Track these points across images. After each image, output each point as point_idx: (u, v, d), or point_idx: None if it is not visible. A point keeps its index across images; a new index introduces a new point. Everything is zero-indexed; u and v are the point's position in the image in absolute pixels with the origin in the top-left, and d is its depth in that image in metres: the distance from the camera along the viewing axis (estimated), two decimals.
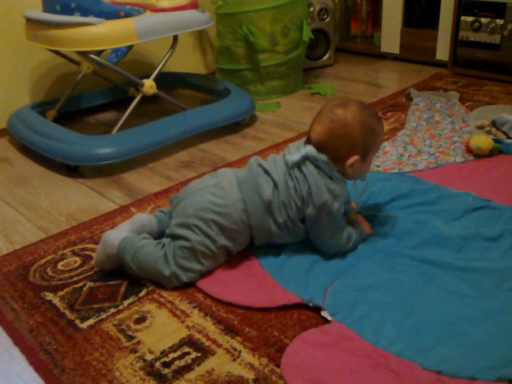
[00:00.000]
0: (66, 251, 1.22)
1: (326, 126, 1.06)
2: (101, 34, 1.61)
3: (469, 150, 1.54)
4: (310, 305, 0.98)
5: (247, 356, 0.89)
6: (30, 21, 1.71)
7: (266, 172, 1.08)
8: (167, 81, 2.24)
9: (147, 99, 1.84)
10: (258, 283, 1.05)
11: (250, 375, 0.85)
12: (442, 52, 2.44)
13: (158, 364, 0.89)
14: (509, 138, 1.60)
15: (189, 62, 2.50)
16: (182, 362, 0.89)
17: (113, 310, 1.02)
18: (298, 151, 1.07)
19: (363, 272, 1.05)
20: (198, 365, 0.88)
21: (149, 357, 0.90)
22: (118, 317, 1.00)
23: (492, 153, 1.51)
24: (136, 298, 1.05)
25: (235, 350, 0.90)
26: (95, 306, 1.03)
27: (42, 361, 0.91)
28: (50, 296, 1.07)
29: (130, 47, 2.01)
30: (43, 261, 1.19)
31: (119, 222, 1.33)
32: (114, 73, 1.90)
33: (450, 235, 1.13)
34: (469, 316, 0.92)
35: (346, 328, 0.91)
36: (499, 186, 1.34)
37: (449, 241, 1.12)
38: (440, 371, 0.82)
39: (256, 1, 2.06)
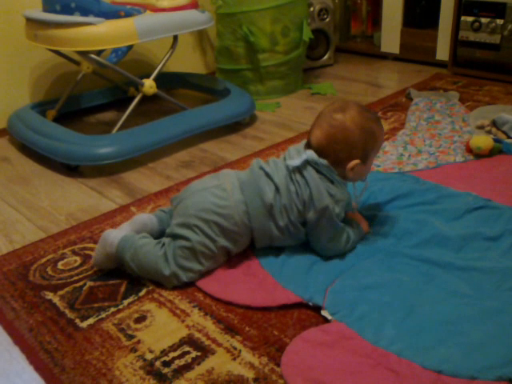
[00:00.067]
0: (65, 251, 1.22)
1: (326, 131, 1.06)
2: (101, 33, 1.61)
3: (469, 150, 1.54)
4: (310, 304, 0.98)
5: (247, 355, 0.89)
6: (30, 20, 1.71)
7: (268, 175, 1.08)
8: (167, 80, 2.24)
9: (147, 99, 1.84)
10: (258, 283, 1.05)
11: (250, 374, 0.85)
12: (442, 52, 2.44)
13: (157, 363, 0.89)
14: (509, 137, 1.60)
15: (189, 61, 2.50)
16: (181, 362, 0.89)
17: (113, 310, 1.02)
18: (298, 155, 1.07)
19: (363, 271, 1.05)
20: (198, 364, 0.88)
21: (149, 356, 0.90)
22: (118, 316, 1.00)
23: (492, 152, 1.51)
24: (136, 298, 1.05)
25: (235, 349, 0.90)
26: (95, 305, 1.03)
27: (41, 360, 0.91)
28: (50, 295, 1.07)
29: (130, 47, 2.01)
30: (43, 260, 1.19)
31: (119, 221, 1.33)
32: (114, 72, 1.90)
33: (450, 235, 1.13)
34: (469, 316, 0.92)
35: (346, 327, 0.91)
36: (499, 186, 1.34)
37: (449, 240, 1.12)
38: (440, 371, 0.82)
39: (256, 1, 2.06)
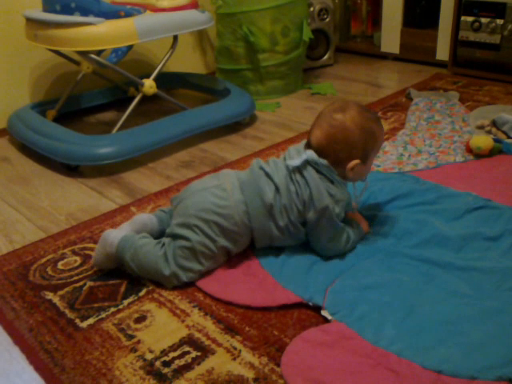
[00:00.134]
0: (65, 251, 1.22)
1: (326, 131, 1.06)
2: (101, 33, 1.61)
3: (469, 150, 1.54)
4: (310, 304, 0.98)
5: (247, 355, 0.89)
6: (30, 20, 1.71)
7: (268, 175, 1.08)
8: (167, 80, 2.24)
9: (147, 99, 1.84)
10: (258, 283, 1.05)
11: (250, 374, 0.85)
12: (442, 52, 2.44)
13: (157, 363, 0.89)
14: (509, 137, 1.60)
15: (189, 61, 2.50)
16: (181, 361, 0.89)
17: (113, 310, 1.02)
18: (298, 156, 1.07)
19: (363, 272, 1.05)
20: (198, 364, 0.88)
21: (149, 356, 0.90)
22: (118, 316, 1.00)
23: (492, 152, 1.51)
24: (136, 298, 1.05)
25: (235, 349, 0.90)
26: (95, 305, 1.03)
27: (41, 360, 0.91)
28: (49, 295, 1.07)
29: (130, 47, 2.01)
30: (43, 260, 1.19)
31: (119, 221, 1.33)
32: (114, 72, 1.90)
33: (449, 235, 1.13)
34: (469, 316, 0.92)
35: (346, 327, 0.91)
36: (499, 186, 1.34)
37: (449, 240, 1.12)
38: (440, 371, 0.82)
39: (256, 1, 2.06)
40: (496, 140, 1.54)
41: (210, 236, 1.05)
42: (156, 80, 1.78)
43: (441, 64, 2.46)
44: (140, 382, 0.85)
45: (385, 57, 2.71)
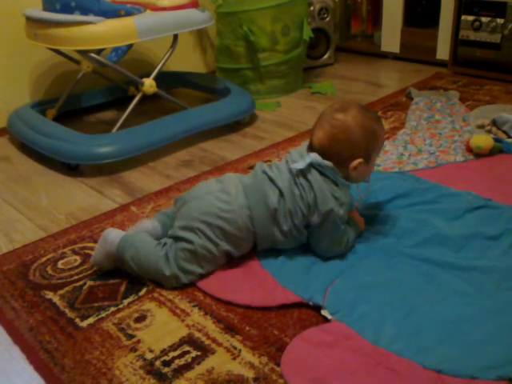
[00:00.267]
0: (66, 250, 1.22)
1: (328, 132, 1.06)
2: (101, 32, 1.61)
3: (469, 150, 1.54)
4: (310, 304, 0.98)
5: (247, 355, 0.89)
6: (30, 19, 1.71)
7: (271, 180, 1.08)
8: (167, 80, 2.23)
9: (147, 98, 1.84)
10: (258, 282, 1.05)
11: (250, 374, 0.85)
12: (443, 51, 2.44)
13: (157, 363, 0.89)
14: (509, 137, 1.59)
15: (189, 60, 2.50)
16: (181, 361, 0.89)
17: (113, 309, 1.02)
18: (301, 159, 1.07)
19: (363, 271, 1.05)
20: (198, 364, 0.88)
21: (149, 355, 0.90)
22: (118, 315, 1.00)
23: (492, 152, 1.51)
24: (136, 297, 1.05)
25: (235, 348, 0.90)
26: (95, 304, 1.03)
27: (41, 359, 0.91)
28: (49, 295, 1.07)
29: (130, 46, 2.01)
30: (43, 259, 1.19)
31: (119, 220, 1.33)
32: (114, 72, 1.90)
33: (450, 234, 1.13)
34: (469, 315, 0.92)
35: (346, 327, 0.91)
36: (499, 186, 1.34)
37: (449, 240, 1.12)
38: (440, 370, 0.82)
39: (256, 0, 2.05)
40: (496, 139, 1.54)
41: (212, 240, 1.05)
42: (156, 79, 1.78)
43: (441, 63, 2.46)
44: (140, 382, 0.85)
45: (385, 56, 2.71)
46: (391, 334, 0.89)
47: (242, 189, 1.08)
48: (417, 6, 2.55)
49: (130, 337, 0.95)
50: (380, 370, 0.83)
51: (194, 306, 1.01)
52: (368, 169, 1.11)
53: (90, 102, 2.14)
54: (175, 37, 1.83)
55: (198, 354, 0.90)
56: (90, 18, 1.60)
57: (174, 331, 0.95)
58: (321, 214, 1.05)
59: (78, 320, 1.00)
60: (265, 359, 0.88)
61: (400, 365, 0.83)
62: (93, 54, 1.68)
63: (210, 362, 0.88)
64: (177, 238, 1.06)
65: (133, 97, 1.80)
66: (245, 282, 1.05)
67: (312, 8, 2.50)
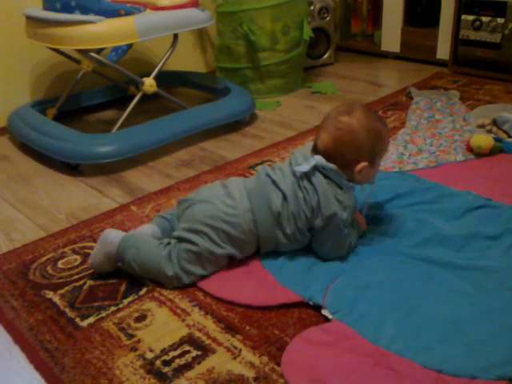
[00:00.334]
0: (66, 249, 1.22)
1: (332, 134, 1.05)
2: (101, 32, 1.61)
3: (469, 149, 1.54)
4: (311, 303, 0.98)
5: (247, 354, 0.89)
6: (31, 19, 1.71)
7: (274, 183, 1.07)
8: (167, 79, 2.23)
9: (147, 97, 1.84)
10: (259, 282, 1.05)
11: (250, 374, 0.85)
12: (443, 51, 2.44)
13: (158, 362, 0.89)
14: (509, 136, 1.59)
15: (189, 60, 2.50)
16: (182, 361, 0.89)
17: (113, 309, 1.02)
18: (306, 161, 1.06)
19: (364, 271, 1.05)
20: (199, 363, 0.88)
21: (149, 355, 0.90)
22: (119, 315, 1.00)
23: (492, 152, 1.51)
24: (136, 297, 1.05)
25: (235, 348, 0.90)
26: (95, 304, 1.03)
27: (42, 359, 0.91)
28: (50, 294, 1.07)
29: (130, 45, 2.01)
30: (43, 259, 1.19)
31: (119, 220, 1.33)
32: (115, 71, 1.90)
33: (450, 234, 1.13)
34: (469, 315, 0.92)
35: (347, 327, 0.91)
36: (500, 185, 1.34)
37: (449, 240, 1.12)
38: (440, 370, 0.82)
39: None
40: (497, 139, 1.53)
41: (217, 243, 1.05)
42: (156, 79, 1.78)
43: (441, 63, 2.46)
44: (140, 381, 0.85)
45: (385, 56, 2.71)
46: (391, 333, 0.89)
47: (245, 192, 1.08)
48: (417, 6, 2.55)
49: (131, 336, 0.95)
50: (380, 370, 0.83)
51: (194, 306, 1.01)
52: (373, 171, 1.10)
53: (90, 102, 2.14)
54: (175, 36, 1.83)
55: (199, 353, 0.90)
56: (90, 17, 1.60)
57: (174, 331, 0.95)
58: (324, 217, 1.05)
59: (78, 319, 0.99)
60: (265, 359, 0.88)
61: (400, 364, 0.83)
62: (93, 54, 1.68)
63: (210, 362, 0.88)
64: (181, 239, 1.06)
65: (133, 96, 1.80)
66: (245, 282, 1.05)
67: (312, 7, 2.50)
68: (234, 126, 1.91)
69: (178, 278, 1.04)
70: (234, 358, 0.88)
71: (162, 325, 0.97)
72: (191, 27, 1.82)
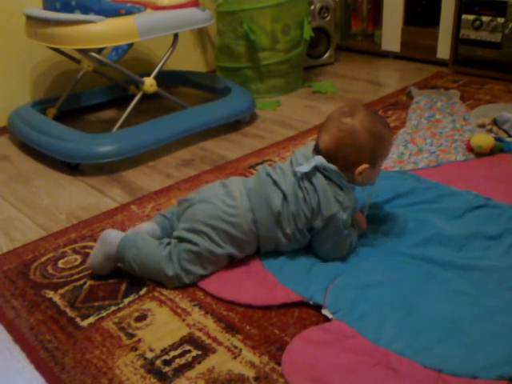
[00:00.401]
0: (66, 249, 1.22)
1: (334, 135, 1.05)
2: (101, 31, 1.61)
3: (470, 149, 1.54)
4: (311, 303, 0.98)
5: (248, 354, 0.89)
6: (31, 18, 1.71)
7: (275, 183, 1.07)
8: (168, 79, 2.23)
9: (148, 97, 1.84)
10: (259, 282, 1.05)
11: (250, 373, 0.85)
12: (443, 50, 2.44)
13: (158, 362, 0.89)
14: (510, 136, 1.59)
15: (189, 60, 2.50)
16: (182, 360, 0.89)
17: (113, 308, 1.02)
18: (307, 161, 1.06)
19: (364, 270, 1.05)
20: (199, 363, 0.88)
21: (149, 355, 0.90)
22: (119, 315, 1.00)
23: (493, 151, 1.51)
24: (136, 296, 1.05)
25: (236, 348, 0.90)
26: (96, 303, 1.03)
27: (42, 359, 0.91)
28: (50, 294, 1.07)
29: (130, 45, 2.01)
30: (43, 259, 1.19)
31: (120, 220, 1.33)
32: (115, 71, 1.90)
33: (450, 234, 1.13)
34: (469, 314, 0.92)
35: (347, 326, 0.91)
36: (500, 185, 1.34)
37: (449, 239, 1.12)
38: (440, 369, 0.82)
39: None
40: (497, 139, 1.53)
41: (217, 243, 1.05)
42: (156, 78, 1.78)
43: (442, 62, 2.46)
44: (140, 381, 0.85)
45: (385, 55, 2.71)
46: (391, 333, 0.89)
47: (245, 192, 1.08)
48: (417, 5, 2.55)
49: (131, 336, 0.95)
50: (380, 370, 0.83)
51: (194, 306, 1.01)
52: (374, 173, 1.10)
53: (91, 101, 2.14)
54: (175, 36, 1.83)
55: (199, 353, 0.90)
56: (91, 16, 1.60)
57: (174, 330, 0.95)
58: (324, 218, 1.05)
59: (78, 319, 1.00)
60: (265, 358, 0.88)
61: (400, 364, 0.83)
62: (93, 53, 1.68)
63: (210, 362, 0.88)
64: (181, 239, 1.06)
65: (133, 96, 1.80)
66: (245, 282, 1.05)
67: (312, 7, 2.50)
68: (234, 125, 1.91)
69: (178, 277, 1.04)
70: (235, 358, 0.88)
71: (162, 324, 0.97)
72: (191, 27, 1.82)
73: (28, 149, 1.79)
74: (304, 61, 2.37)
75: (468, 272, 1.03)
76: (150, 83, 1.76)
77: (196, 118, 1.78)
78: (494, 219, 1.19)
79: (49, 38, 1.65)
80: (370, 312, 0.94)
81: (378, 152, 1.07)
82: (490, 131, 1.65)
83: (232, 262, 1.10)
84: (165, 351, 0.91)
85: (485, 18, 2.18)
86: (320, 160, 1.05)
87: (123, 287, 1.07)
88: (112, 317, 1.00)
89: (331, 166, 1.05)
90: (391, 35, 2.62)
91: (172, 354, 0.90)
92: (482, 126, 1.70)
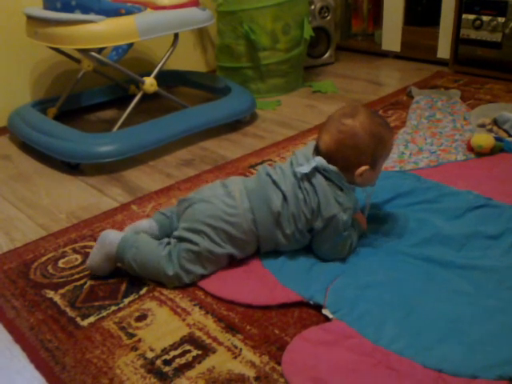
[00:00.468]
0: (66, 249, 1.22)
1: (335, 137, 1.05)
2: (101, 31, 1.61)
3: (470, 149, 1.54)
4: (311, 303, 0.98)
5: (248, 354, 0.89)
6: (31, 18, 1.71)
7: (275, 183, 1.07)
8: (168, 78, 2.23)
9: (148, 97, 1.84)
10: (259, 281, 1.05)
11: (250, 373, 0.85)
12: (443, 50, 2.44)
13: (158, 362, 0.89)
14: (510, 136, 1.59)
15: (189, 59, 2.50)
16: (182, 360, 0.89)
17: (113, 308, 1.02)
18: (307, 162, 1.06)
19: (364, 270, 1.05)
20: (199, 362, 0.88)
21: (150, 354, 0.90)
22: (119, 314, 1.00)
23: (493, 151, 1.51)
24: (137, 296, 1.05)
25: (236, 347, 0.90)
26: (96, 303, 1.03)
27: (42, 358, 0.91)
28: (50, 294, 1.07)
29: (130, 45, 2.01)
30: (44, 258, 1.19)
31: (120, 219, 1.33)
32: (115, 70, 1.90)
33: (450, 233, 1.13)
34: (470, 314, 0.92)
35: (347, 326, 0.91)
36: (500, 185, 1.34)
37: (450, 239, 1.12)
38: (441, 369, 0.82)
39: None
40: (497, 138, 1.53)
41: (217, 243, 1.05)
42: (157, 78, 1.78)
43: (442, 62, 2.46)
44: (141, 381, 0.85)
45: (386, 55, 2.71)
46: (392, 333, 0.89)
47: (245, 192, 1.08)
48: (417, 5, 2.55)
49: (131, 336, 0.95)
50: (380, 369, 0.83)
51: (194, 305, 1.01)
52: (374, 175, 1.09)
53: (91, 101, 2.14)
54: (176, 36, 1.83)
55: (199, 353, 0.90)
56: (91, 16, 1.60)
57: (174, 330, 0.95)
58: (324, 219, 1.05)
59: (78, 319, 1.00)
60: (265, 358, 0.88)
61: (400, 364, 0.83)
62: (93, 53, 1.68)
63: (210, 361, 0.88)
64: (181, 239, 1.06)
65: (133, 96, 1.80)
66: (246, 281, 1.05)
67: (313, 7, 2.49)
68: (234, 125, 1.91)
69: (178, 277, 1.04)
70: (235, 358, 0.88)
71: (162, 324, 0.97)
72: (192, 26, 1.82)
73: (28, 148, 1.80)
74: (304, 60, 2.36)
75: (468, 272, 1.03)
76: (150, 83, 1.76)
77: (196, 118, 1.78)
78: (494, 219, 1.19)
79: (49, 38, 1.65)
80: (371, 312, 0.94)
81: (379, 153, 1.06)
82: (491, 131, 1.65)
83: (232, 262, 1.10)
84: (165, 351, 0.91)
85: (485, 18, 2.18)
86: (320, 161, 1.05)
87: (123, 287, 1.07)
88: (112, 316, 1.00)
89: (331, 166, 1.05)
90: (391, 35, 2.62)
91: (172, 353, 0.90)
92: (482, 125, 1.70)
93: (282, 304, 0.99)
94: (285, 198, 1.06)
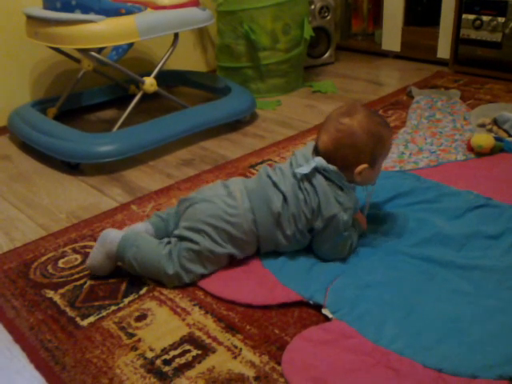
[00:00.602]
0: (66, 249, 1.22)
1: (333, 136, 1.05)
2: (101, 31, 1.61)
3: (470, 148, 1.54)
4: (311, 303, 0.98)
5: (248, 354, 0.89)
6: (31, 18, 1.71)
7: (275, 184, 1.07)
8: (168, 78, 2.23)
9: (148, 97, 1.84)
10: (259, 281, 1.05)
11: (250, 373, 0.85)
12: (443, 50, 2.44)
13: (158, 361, 0.89)
14: (510, 136, 1.59)
15: (189, 59, 2.50)
16: (182, 360, 0.89)
17: (113, 308, 1.02)
18: (306, 163, 1.06)
19: (364, 270, 1.05)
20: (199, 362, 0.88)
21: (149, 354, 0.90)
22: (119, 314, 1.00)
23: (493, 151, 1.51)
24: (136, 296, 1.05)
25: (236, 347, 0.90)
26: (96, 303, 1.03)
27: (42, 358, 0.91)
28: (50, 293, 1.07)
29: (130, 45, 2.01)
30: (44, 258, 1.19)
31: (120, 219, 1.33)
32: (115, 70, 1.90)
33: (451, 233, 1.13)
34: (470, 314, 0.92)
35: (347, 326, 0.91)
36: (500, 185, 1.34)
37: (450, 239, 1.12)
38: (441, 369, 0.82)
39: None
40: (497, 138, 1.53)
41: (217, 242, 1.05)
42: (157, 78, 1.78)
43: (442, 62, 2.46)
44: (141, 381, 0.85)
45: (386, 55, 2.71)
46: (392, 332, 0.89)
47: (246, 193, 1.08)
48: (417, 5, 2.55)
49: (131, 336, 0.95)
50: (380, 369, 0.83)
51: (194, 305, 1.01)
52: (373, 173, 1.09)
53: (91, 101, 2.14)
54: (176, 35, 1.83)
55: (199, 352, 0.90)
56: (91, 16, 1.60)
57: (174, 330, 0.95)
58: (324, 219, 1.05)
59: (78, 319, 1.00)
60: (265, 358, 0.88)
61: (400, 364, 0.83)
62: (93, 53, 1.68)
63: (210, 361, 0.88)
64: (182, 238, 1.06)
65: (133, 95, 1.80)
66: (246, 281, 1.05)
67: (313, 6, 2.49)
68: (234, 125, 1.91)
69: (178, 276, 1.04)
70: (235, 358, 0.88)
71: (162, 324, 0.97)
72: (192, 26, 1.82)
73: (28, 148, 1.80)
74: (304, 60, 2.37)
75: (468, 272, 1.03)
76: (150, 83, 1.76)
77: (196, 118, 1.78)
78: (494, 219, 1.19)
79: (49, 38, 1.65)
80: (370, 312, 0.94)
81: (377, 152, 1.06)
82: (491, 131, 1.65)
83: (232, 262, 1.10)
84: (165, 351, 0.91)
85: (485, 18, 2.18)
86: (320, 161, 1.05)
87: (123, 287, 1.07)
88: (112, 316, 1.00)
89: (331, 166, 1.05)
90: (391, 35, 2.62)
91: (172, 353, 0.90)
92: (482, 125, 1.70)
93: (281, 304, 0.99)
94: (285, 198, 1.06)
